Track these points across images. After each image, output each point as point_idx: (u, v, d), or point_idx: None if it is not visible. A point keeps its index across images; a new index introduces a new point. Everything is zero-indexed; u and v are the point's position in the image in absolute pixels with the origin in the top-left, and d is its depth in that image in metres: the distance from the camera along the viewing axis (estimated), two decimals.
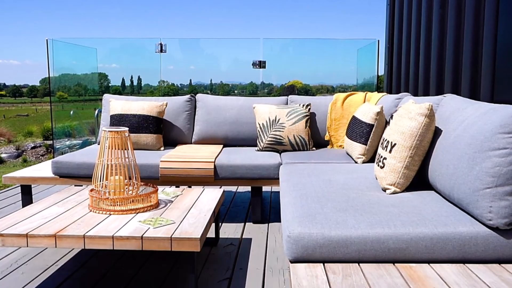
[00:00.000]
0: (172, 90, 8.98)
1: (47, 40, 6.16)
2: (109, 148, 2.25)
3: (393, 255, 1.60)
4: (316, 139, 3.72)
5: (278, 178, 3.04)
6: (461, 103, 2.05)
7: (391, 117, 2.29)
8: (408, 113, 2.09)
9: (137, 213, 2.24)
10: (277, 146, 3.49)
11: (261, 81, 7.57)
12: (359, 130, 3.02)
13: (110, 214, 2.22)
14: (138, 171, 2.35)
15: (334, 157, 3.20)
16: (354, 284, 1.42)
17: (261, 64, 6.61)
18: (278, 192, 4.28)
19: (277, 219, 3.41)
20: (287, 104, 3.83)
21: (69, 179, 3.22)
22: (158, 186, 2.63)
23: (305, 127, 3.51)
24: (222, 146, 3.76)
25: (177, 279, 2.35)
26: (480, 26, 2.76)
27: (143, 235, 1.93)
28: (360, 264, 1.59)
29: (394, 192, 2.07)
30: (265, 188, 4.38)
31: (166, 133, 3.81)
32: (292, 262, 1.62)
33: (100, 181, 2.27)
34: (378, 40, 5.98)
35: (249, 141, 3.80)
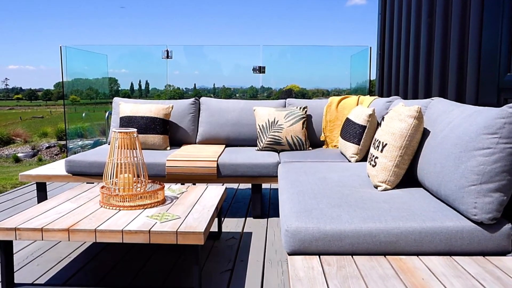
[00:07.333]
0: (177, 94, 8.98)
1: (60, 47, 6.16)
2: (118, 148, 2.25)
3: (384, 248, 1.60)
4: (312, 139, 3.72)
5: (277, 176, 3.03)
6: (448, 106, 2.05)
7: (383, 119, 2.29)
8: (398, 115, 2.09)
9: (145, 208, 2.24)
10: (276, 146, 3.49)
11: (261, 85, 7.56)
12: (353, 131, 3.01)
13: (120, 210, 2.22)
14: (146, 169, 2.34)
15: (329, 157, 3.20)
16: (348, 275, 1.42)
17: (260, 69, 6.61)
18: (277, 189, 4.27)
19: (276, 214, 3.41)
20: (285, 106, 3.83)
21: (82, 177, 3.22)
22: (164, 184, 2.62)
23: (302, 128, 3.51)
24: (224, 146, 3.76)
25: (182, 270, 2.35)
26: (465, 34, 2.76)
27: (151, 229, 1.93)
28: (354, 256, 1.58)
29: (385, 189, 2.07)
30: (265, 185, 4.38)
31: (172, 133, 3.81)
32: (289, 254, 1.62)
33: (110, 178, 2.27)
34: (370, 47, 5.98)
35: (250, 142, 3.79)
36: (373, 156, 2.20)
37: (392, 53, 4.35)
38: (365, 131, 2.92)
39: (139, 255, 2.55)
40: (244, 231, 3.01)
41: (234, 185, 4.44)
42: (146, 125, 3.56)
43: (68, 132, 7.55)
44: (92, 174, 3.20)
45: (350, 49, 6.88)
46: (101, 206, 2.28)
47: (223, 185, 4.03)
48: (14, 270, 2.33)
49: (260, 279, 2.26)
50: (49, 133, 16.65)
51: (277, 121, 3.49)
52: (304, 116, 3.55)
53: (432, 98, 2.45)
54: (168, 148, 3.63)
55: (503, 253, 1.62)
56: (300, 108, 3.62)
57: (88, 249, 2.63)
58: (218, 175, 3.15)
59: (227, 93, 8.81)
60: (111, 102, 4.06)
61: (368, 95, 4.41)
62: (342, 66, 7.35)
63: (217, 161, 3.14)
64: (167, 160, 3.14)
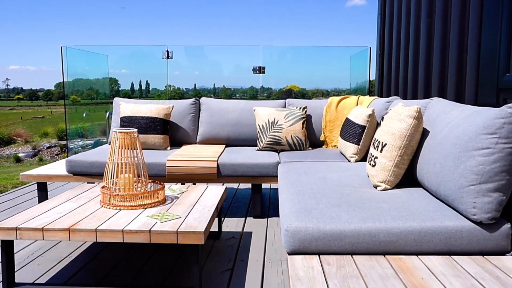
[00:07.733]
0: (178, 94, 8.99)
1: (61, 47, 6.16)
2: (119, 148, 2.25)
3: (383, 247, 1.60)
4: (312, 139, 3.72)
5: (277, 176, 3.03)
6: (447, 106, 2.05)
7: (382, 119, 2.29)
8: (398, 115, 2.09)
9: (145, 208, 2.24)
10: (275, 146, 3.49)
11: (261, 85, 7.57)
12: (352, 131, 3.01)
13: (120, 210, 2.22)
14: (146, 169, 2.35)
15: (328, 156, 3.20)
16: (348, 274, 1.42)
17: (260, 70, 6.62)
18: (277, 189, 4.27)
19: (276, 214, 3.41)
20: (285, 107, 3.83)
21: (82, 177, 3.22)
22: (164, 183, 2.62)
23: (302, 128, 3.51)
24: (224, 146, 3.76)
25: (182, 269, 2.35)
26: (464, 35, 2.76)
27: (151, 229, 1.93)
28: (353, 256, 1.58)
29: (385, 189, 2.07)
30: (265, 185, 4.38)
31: (172, 134, 3.81)
32: (289, 254, 1.62)
33: (111, 178, 2.27)
34: (370, 47, 5.98)
35: (250, 142, 3.79)
36: (373, 156, 2.20)
37: (392, 53, 4.35)
38: (365, 131, 2.92)
39: (139, 254, 2.55)
40: (244, 230, 3.01)
41: (234, 185, 4.44)
42: (147, 125, 3.56)
43: (69, 132, 7.56)
44: (93, 174, 3.20)
45: (350, 50, 6.89)
46: (102, 206, 2.28)
47: (223, 185, 4.03)
48: (15, 270, 2.33)
49: (260, 278, 2.26)
50: (49, 133, 16.66)
51: (277, 121, 3.49)
52: (304, 116, 3.56)
53: (432, 98, 2.45)
54: (169, 148, 3.63)
55: (502, 253, 1.62)
56: (300, 108, 3.62)
57: (89, 249, 2.63)
58: (218, 175, 3.15)
59: (227, 93, 8.81)
60: (112, 102, 4.07)
61: (368, 95, 4.41)
62: (341, 67, 7.36)
63: (217, 161, 3.14)
64: (168, 160, 3.14)
